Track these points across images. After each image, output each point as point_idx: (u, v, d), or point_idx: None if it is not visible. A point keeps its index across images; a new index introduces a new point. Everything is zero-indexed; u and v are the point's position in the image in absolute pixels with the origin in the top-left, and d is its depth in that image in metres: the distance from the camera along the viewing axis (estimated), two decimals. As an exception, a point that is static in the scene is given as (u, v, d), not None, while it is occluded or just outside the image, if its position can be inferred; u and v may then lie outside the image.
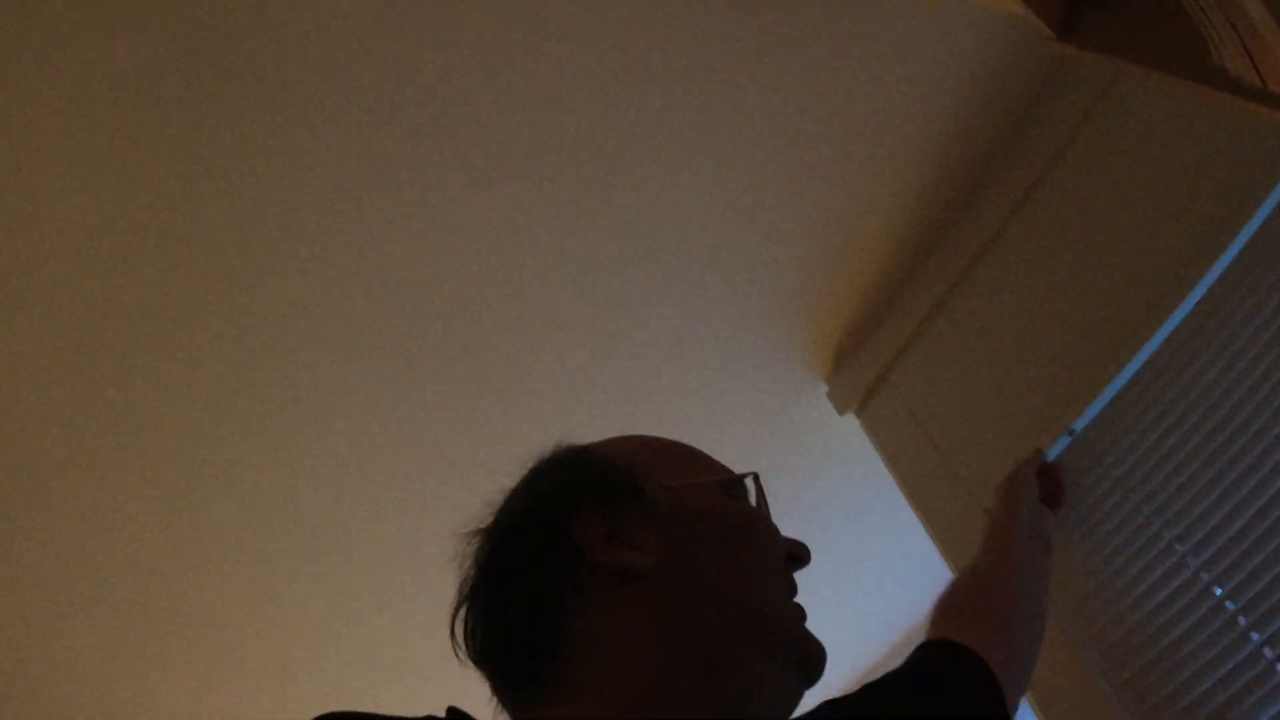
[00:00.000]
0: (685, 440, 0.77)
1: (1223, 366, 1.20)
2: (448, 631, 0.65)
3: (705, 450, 0.77)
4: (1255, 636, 1.06)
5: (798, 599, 0.71)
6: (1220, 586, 1.11)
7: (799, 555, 0.72)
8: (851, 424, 1.80)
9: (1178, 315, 1.28)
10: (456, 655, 0.65)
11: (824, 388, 1.87)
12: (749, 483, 0.74)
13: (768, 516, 0.73)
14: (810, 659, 0.66)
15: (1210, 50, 0.77)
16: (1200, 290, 1.27)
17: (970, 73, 1.54)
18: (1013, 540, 1.10)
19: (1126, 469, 1.26)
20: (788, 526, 0.75)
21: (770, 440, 2.02)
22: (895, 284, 1.77)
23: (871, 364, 1.76)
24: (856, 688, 0.72)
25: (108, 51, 1.16)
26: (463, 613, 0.65)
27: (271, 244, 1.40)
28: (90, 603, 1.72)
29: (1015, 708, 0.86)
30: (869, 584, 2.30)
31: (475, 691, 0.64)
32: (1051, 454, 1.38)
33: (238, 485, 1.65)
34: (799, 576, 0.73)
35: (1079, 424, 1.36)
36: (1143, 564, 1.19)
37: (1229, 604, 1.10)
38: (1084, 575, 1.26)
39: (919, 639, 0.89)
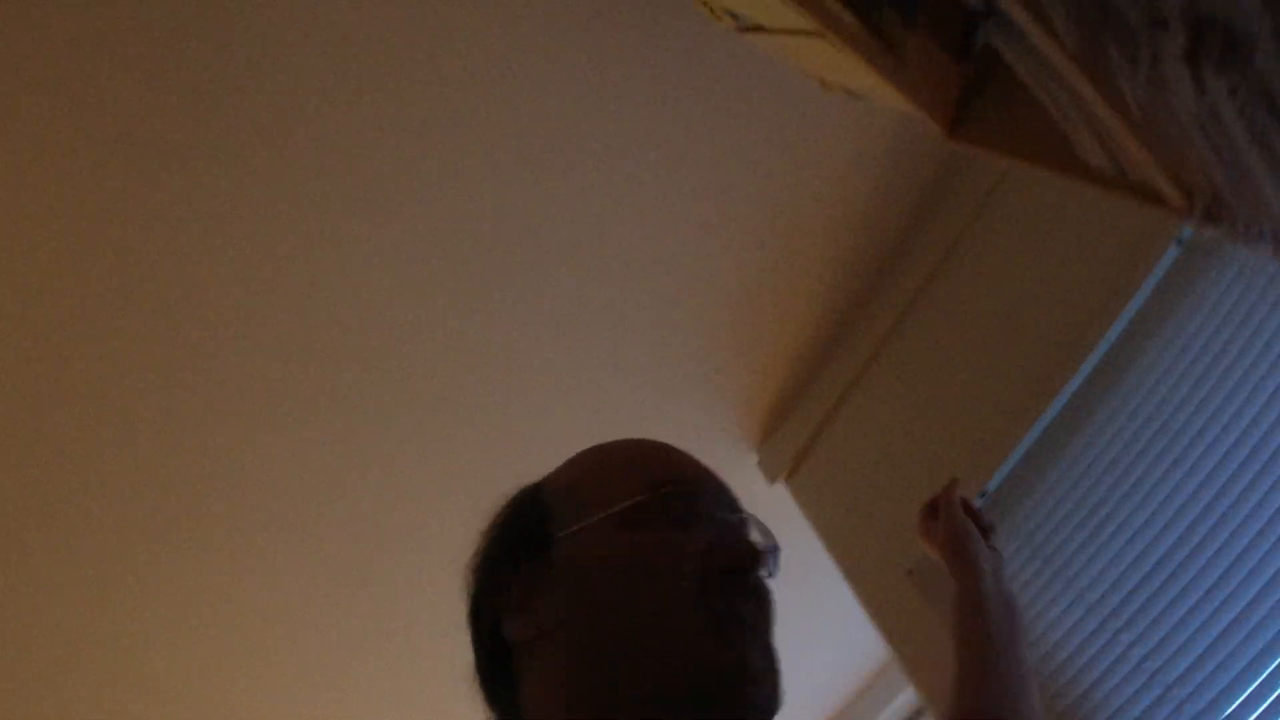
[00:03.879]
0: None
1: (1116, 429, 1.30)
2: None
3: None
4: (1160, 681, 1.13)
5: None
6: (1128, 634, 1.18)
7: (735, 565, 0.61)
8: (781, 492, 1.86)
9: (1074, 382, 1.38)
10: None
11: (754, 457, 1.93)
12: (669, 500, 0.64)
13: (682, 532, 0.62)
14: (732, 700, 0.56)
15: (1074, 146, 0.87)
16: (1094, 358, 1.37)
17: (886, 156, 1.66)
18: (989, 620, 0.99)
19: (1035, 525, 1.34)
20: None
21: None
22: (818, 356, 1.85)
23: (798, 433, 1.83)
24: None
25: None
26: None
27: (227, 313, 1.42)
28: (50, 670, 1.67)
29: None
30: (803, 651, 2.33)
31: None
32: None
33: (197, 559, 1.63)
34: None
35: (991, 484, 1.44)
36: (1054, 615, 1.26)
37: (1137, 651, 1.17)
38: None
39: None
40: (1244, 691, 1.06)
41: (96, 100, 1.18)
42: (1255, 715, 1.05)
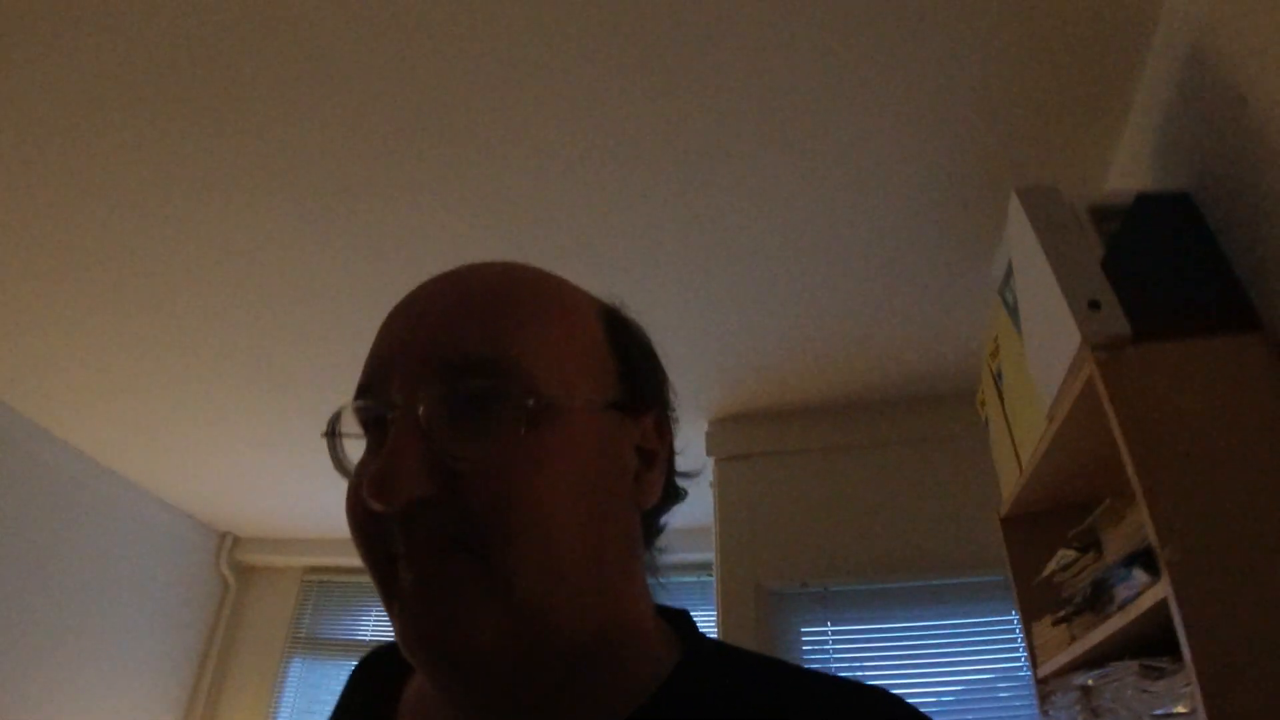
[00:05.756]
0: None
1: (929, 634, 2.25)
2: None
3: None
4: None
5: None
6: None
7: (369, 500, 0.45)
8: (699, 462, 2.63)
9: (937, 580, 2.30)
10: None
11: (705, 426, 2.66)
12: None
13: (359, 469, 0.50)
14: (412, 656, 0.48)
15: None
16: (952, 580, 2.29)
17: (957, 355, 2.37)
18: None
19: (831, 639, 2.27)
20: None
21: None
22: (818, 406, 2.58)
23: (753, 441, 2.59)
24: None
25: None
26: None
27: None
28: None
29: None
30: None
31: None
32: (785, 591, 2.34)
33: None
34: None
35: (831, 586, 2.34)
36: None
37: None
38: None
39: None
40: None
41: None
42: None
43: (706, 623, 3.34)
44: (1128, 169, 1.64)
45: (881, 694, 0.49)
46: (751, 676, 0.51)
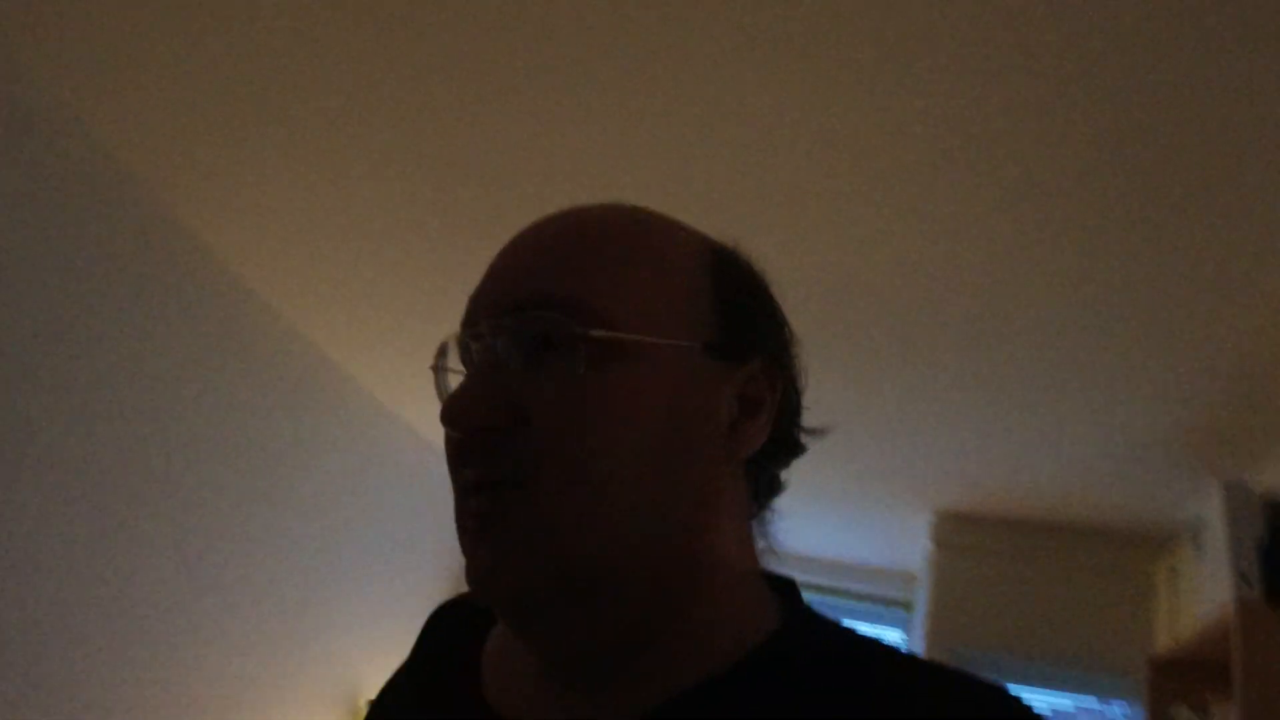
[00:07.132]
0: None
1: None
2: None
3: None
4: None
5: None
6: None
7: (441, 422, 0.50)
8: (916, 549, 3.53)
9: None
10: None
11: (931, 516, 3.54)
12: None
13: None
14: (471, 590, 0.51)
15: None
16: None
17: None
18: None
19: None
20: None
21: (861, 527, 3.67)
22: (1016, 520, 3.42)
23: (963, 536, 3.46)
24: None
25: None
26: None
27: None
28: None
29: None
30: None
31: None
32: (969, 654, 3.23)
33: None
34: None
35: (1000, 657, 3.22)
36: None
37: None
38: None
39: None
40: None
41: None
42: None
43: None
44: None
45: (986, 685, 0.47)
46: (848, 652, 0.51)
